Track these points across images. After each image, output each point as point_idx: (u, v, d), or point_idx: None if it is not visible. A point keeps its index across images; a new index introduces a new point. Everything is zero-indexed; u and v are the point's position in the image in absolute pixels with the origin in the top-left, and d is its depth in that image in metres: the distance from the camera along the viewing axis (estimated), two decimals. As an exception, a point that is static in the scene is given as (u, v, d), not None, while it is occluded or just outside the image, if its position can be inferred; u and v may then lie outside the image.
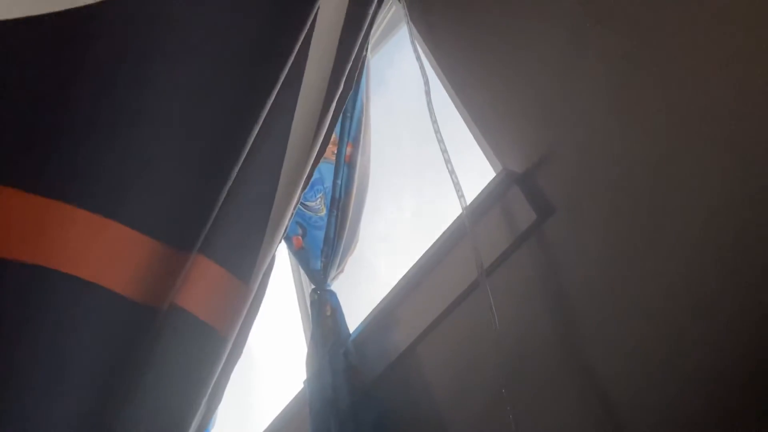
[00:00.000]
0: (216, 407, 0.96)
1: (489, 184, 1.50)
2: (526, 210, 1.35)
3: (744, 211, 0.99)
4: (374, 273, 2.12)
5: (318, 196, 1.98)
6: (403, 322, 1.60)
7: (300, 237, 1.98)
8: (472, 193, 1.51)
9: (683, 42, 1.12)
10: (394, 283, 1.67)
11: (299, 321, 2.20)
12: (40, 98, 0.82)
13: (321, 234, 1.91)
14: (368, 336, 1.70)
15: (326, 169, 1.94)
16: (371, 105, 2.03)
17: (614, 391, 1.09)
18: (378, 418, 1.50)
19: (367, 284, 2.07)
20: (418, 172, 2.13)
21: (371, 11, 1.31)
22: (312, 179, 1.81)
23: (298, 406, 1.80)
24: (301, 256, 1.97)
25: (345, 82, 1.19)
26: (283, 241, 1.79)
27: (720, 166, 1.04)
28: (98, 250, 0.79)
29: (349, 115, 1.90)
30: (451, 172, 1.43)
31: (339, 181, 1.88)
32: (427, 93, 1.61)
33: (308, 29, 1.06)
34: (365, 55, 1.80)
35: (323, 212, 1.95)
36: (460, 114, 1.71)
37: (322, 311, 1.78)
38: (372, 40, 2.27)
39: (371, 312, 1.72)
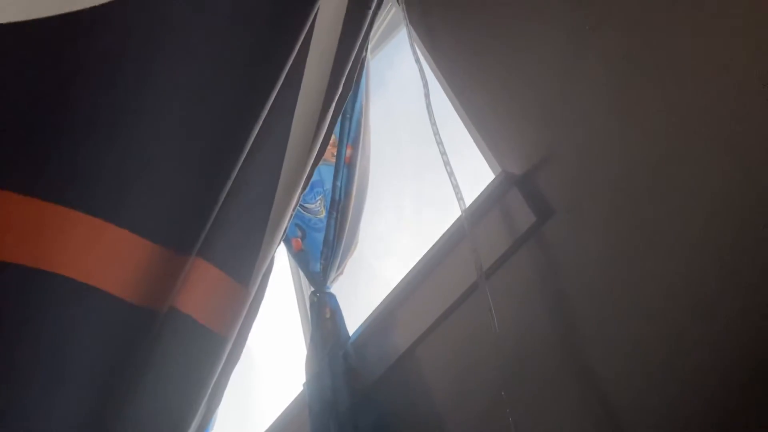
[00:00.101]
0: (215, 409, 0.96)
1: (488, 186, 1.49)
2: (525, 212, 1.34)
3: (744, 211, 0.99)
4: (374, 275, 2.12)
5: (317, 198, 1.98)
6: (403, 324, 1.60)
7: (299, 239, 1.97)
8: (471, 195, 1.51)
9: (683, 43, 1.12)
10: (393, 285, 1.67)
11: (299, 323, 2.20)
12: (39, 99, 0.82)
13: (320, 236, 1.91)
14: (368, 338, 1.70)
15: (326, 170, 1.94)
16: (371, 106, 2.03)
17: (614, 392, 1.09)
18: (377, 420, 1.50)
19: (366, 286, 2.07)
20: (417, 173, 2.13)
21: (370, 13, 1.31)
22: (312, 181, 1.81)
23: (297, 408, 1.80)
24: (300, 258, 1.97)
25: (344, 83, 1.19)
26: (282, 243, 1.79)
27: (720, 166, 1.04)
28: (97, 253, 0.79)
29: (348, 116, 1.90)
30: (451, 174, 1.43)
31: (338, 183, 1.88)
32: (427, 95, 1.62)
33: (308, 30, 1.06)
34: (365, 57, 1.80)
35: (323, 214, 1.95)
36: (459, 116, 1.71)
37: (322, 313, 1.78)
38: (372, 41, 2.28)
39: (371, 314, 1.72)
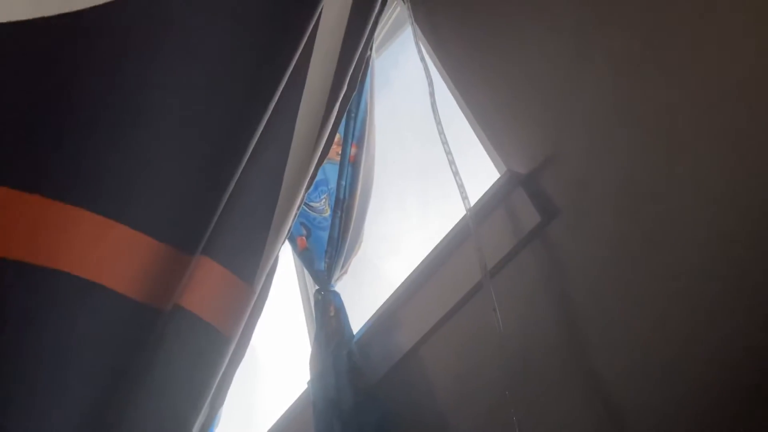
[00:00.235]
0: (219, 407, 0.97)
1: (493, 185, 1.49)
2: (530, 211, 1.34)
3: (750, 211, 0.98)
4: (378, 274, 2.12)
5: (322, 197, 1.98)
6: (407, 324, 1.60)
7: (304, 238, 1.98)
8: (476, 195, 1.51)
9: (688, 42, 1.12)
10: (398, 284, 1.67)
11: (303, 322, 2.21)
12: (40, 98, 0.82)
13: (325, 235, 1.91)
14: (372, 337, 1.70)
15: (331, 169, 1.94)
16: (376, 105, 2.03)
17: (618, 393, 1.09)
18: (381, 419, 1.50)
19: (370, 285, 2.07)
20: (422, 172, 2.13)
21: (375, 12, 1.31)
22: (316, 180, 1.81)
23: (301, 406, 1.80)
24: (305, 256, 1.97)
25: (349, 82, 1.19)
26: (287, 242, 1.79)
27: (726, 166, 1.03)
28: (102, 251, 0.79)
29: (353, 115, 1.90)
30: (455, 173, 1.43)
31: (343, 182, 1.88)
32: (431, 94, 1.61)
33: (312, 29, 1.06)
34: (369, 56, 1.80)
35: (327, 213, 1.95)
36: (465, 115, 1.71)
37: (326, 312, 1.78)
38: (377, 40, 2.27)
39: (375, 313, 1.72)
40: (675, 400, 1.01)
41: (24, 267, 0.74)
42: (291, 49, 1.01)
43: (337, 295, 1.84)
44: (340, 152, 1.90)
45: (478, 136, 1.65)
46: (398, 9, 2.34)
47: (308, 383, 1.72)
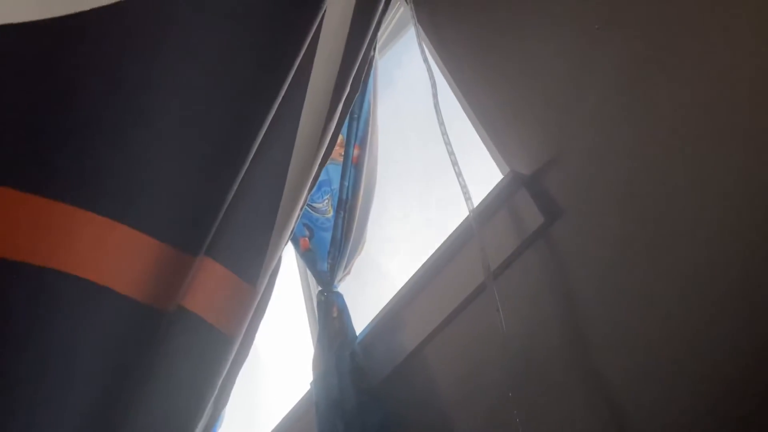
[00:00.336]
0: (223, 408, 0.97)
1: (496, 186, 1.49)
2: (533, 212, 1.34)
3: (756, 212, 0.98)
4: (381, 275, 2.12)
5: (325, 198, 1.98)
6: (410, 324, 1.60)
7: (307, 238, 1.98)
8: (479, 195, 1.51)
9: (693, 42, 1.12)
10: (401, 284, 1.67)
11: (306, 322, 2.21)
12: (42, 100, 0.82)
13: (328, 235, 1.91)
14: (375, 338, 1.70)
15: (334, 170, 1.94)
16: (379, 106, 2.03)
17: (621, 394, 1.09)
18: (384, 419, 1.50)
19: (374, 286, 2.07)
20: (425, 173, 2.13)
21: (378, 13, 1.31)
22: (319, 180, 1.81)
23: (304, 407, 1.80)
24: (308, 257, 1.97)
25: (352, 83, 1.19)
26: (290, 243, 1.79)
27: (733, 166, 1.03)
28: (106, 252, 0.79)
29: (356, 116, 1.90)
30: (459, 174, 1.43)
31: (346, 183, 1.88)
32: (435, 95, 1.61)
33: (315, 30, 1.06)
34: (373, 56, 1.80)
35: (330, 214, 1.95)
36: (468, 115, 1.71)
37: (329, 313, 1.78)
38: (380, 41, 2.27)
39: (378, 314, 1.72)
40: (679, 402, 1.01)
41: (25, 268, 0.74)
42: (294, 50, 1.01)
43: (340, 296, 1.84)
44: (343, 153, 1.90)
45: (481, 137, 1.65)
46: (401, 10, 2.34)
47: (311, 384, 1.72)
